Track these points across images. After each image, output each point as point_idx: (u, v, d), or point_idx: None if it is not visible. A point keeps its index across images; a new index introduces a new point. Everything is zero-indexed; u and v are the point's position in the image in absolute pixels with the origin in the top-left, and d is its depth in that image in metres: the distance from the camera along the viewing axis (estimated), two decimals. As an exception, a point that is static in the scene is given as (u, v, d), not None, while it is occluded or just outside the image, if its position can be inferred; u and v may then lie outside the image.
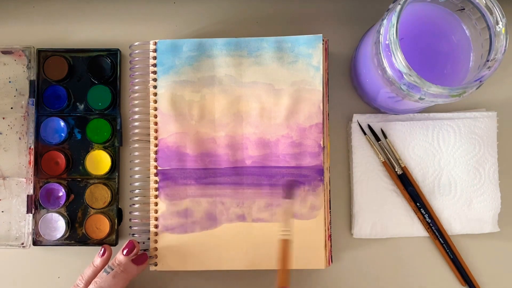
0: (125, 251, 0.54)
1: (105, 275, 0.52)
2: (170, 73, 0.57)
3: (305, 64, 0.56)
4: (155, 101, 0.57)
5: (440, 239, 0.58)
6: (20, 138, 0.60)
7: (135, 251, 0.54)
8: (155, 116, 0.57)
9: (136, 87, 0.58)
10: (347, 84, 0.61)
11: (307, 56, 0.56)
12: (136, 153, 0.58)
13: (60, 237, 0.58)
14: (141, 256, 0.54)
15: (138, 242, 0.57)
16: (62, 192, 0.59)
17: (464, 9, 0.49)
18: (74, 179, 0.60)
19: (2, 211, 0.60)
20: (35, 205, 0.59)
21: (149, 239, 0.57)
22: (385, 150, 0.59)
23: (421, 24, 0.50)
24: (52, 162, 0.59)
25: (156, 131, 0.57)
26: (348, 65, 0.61)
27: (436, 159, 0.58)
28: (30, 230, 0.59)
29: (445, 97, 0.46)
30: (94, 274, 0.54)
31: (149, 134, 0.57)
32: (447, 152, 0.58)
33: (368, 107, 0.60)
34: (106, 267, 0.53)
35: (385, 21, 0.47)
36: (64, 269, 0.60)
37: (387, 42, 0.46)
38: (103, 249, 0.55)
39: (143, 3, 0.61)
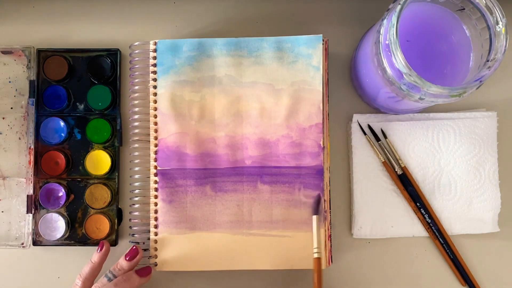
0: (128, 257, 0.54)
1: (106, 281, 0.52)
2: (170, 73, 0.57)
3: (305, 64, 0.56)
4: (155, 101, 0.57)
5: (440, 239, 0.58)
6: (20, 138, 0.60)
7: (137, 257, 0.54)
8: (155, 116, 0.57)
9: (136, 87, 0.58)
10: (347, 84, 0.61)
11: (307, 56, 0.56)
12: (136, 153, 0.58)
13: (60, 237, 0.58)
14: (146, 269, 0.55)
15: (138, 243, 0.57)
16: (62, 192, 0.59)
17: (464, 9, 0.49)
18: (74, 179, 0.60)
19: (2, 211, 0.60)
20: (35, 205, 0.59)
21: (149, 239, 0.57)
22: (385, 150, 0.59)
23: (421, 24, 0.50)
24: (52, 162, 0.59)
25: (156, 131, 0.57)
26: (348, 65, 0.61)
27: (436, 159, 0.58)
28: (30, 230, 0.59)
29: (445, 97, 0.46)
30: (92, 270, 0.54)
31: (149, 134, 0.57)
32: (447, 152, 0.58)
33: (368, 107, 0.60)
34: (107, 272, 0.53)
35: (385, 21, 0.47)
36: (64, 269, 0.60)
37: (387, 42, 0.46)
38: (100, 244, 0.55)
39: (143, 3, 0.61)
